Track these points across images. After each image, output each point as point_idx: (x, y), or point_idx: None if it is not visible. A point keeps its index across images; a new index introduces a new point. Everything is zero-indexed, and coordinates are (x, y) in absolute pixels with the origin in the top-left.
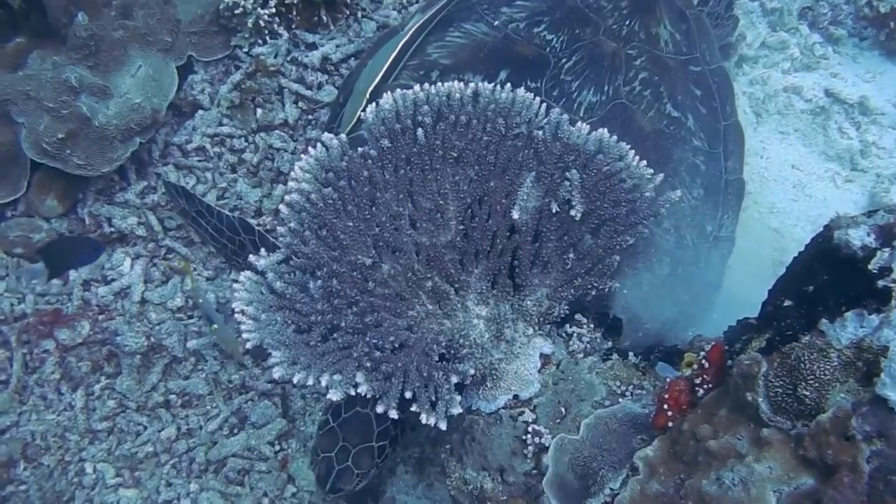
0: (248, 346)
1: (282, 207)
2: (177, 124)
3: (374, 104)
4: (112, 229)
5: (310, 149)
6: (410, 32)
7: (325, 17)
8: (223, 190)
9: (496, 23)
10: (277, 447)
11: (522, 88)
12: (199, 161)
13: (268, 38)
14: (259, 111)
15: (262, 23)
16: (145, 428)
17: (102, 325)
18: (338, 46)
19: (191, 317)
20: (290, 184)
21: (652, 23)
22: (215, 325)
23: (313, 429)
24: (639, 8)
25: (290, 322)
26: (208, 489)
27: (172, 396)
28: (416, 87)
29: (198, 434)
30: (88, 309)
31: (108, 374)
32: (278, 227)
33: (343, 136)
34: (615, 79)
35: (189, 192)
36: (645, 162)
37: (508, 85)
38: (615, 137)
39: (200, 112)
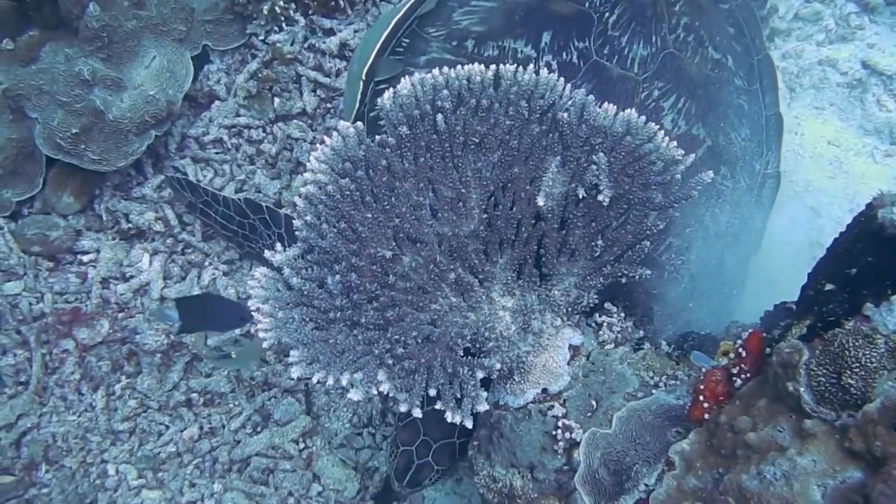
0: (266, 345)
1: (298, 200)
2: (193, 116)
3: (390, 90)
4: (130, 225)
5: (326, 138)
6: (405, 8)
7: (342, 2)
8: (241, 182)
9: None
10: (302, 445)
11: (573, 51)
12: (217, 153)
13: (284, 24)
14: (277, 100)
15: (277, 9)
16: (167, 428)
17: (122, 323)
18: (356, 32)
19: None
20: (307, 175)
21: None
22: (233, 354)
23: (338, 425)
24: None
25: (308, 319)
26: (232, 489)
27: (194, 395)
28: (435, 71)
29: (221, 433)
30: (108, 307)
31: (128, 373)
32: (295, 221)
33: (360, 124)
34: (661, 28)
35: (192, 183)
36: (675, 143)
37: (531, 66)
38: (644, 118)
39: (217, 103)
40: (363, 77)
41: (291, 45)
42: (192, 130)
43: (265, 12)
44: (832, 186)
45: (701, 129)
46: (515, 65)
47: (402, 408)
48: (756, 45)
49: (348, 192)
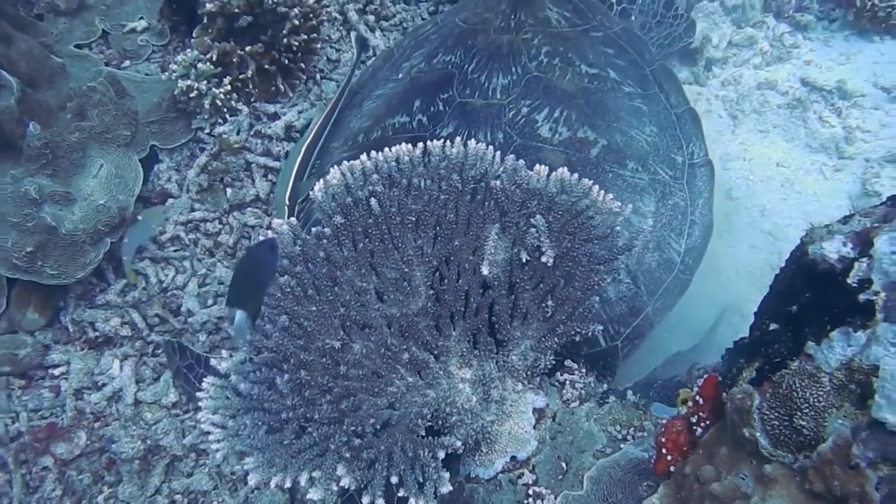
0: (218, 456)
1: None
2: None
3: (320, 181)
4: (97, 333)
5: (259, 236)
6: (312, 133)
7: (282, 86)
8: (203, 276)
9: (399, 76)
10: None
11: (440, 103)
12: (176, 251)
13: (228, 115)
14: (229, 190)
15: (219, 102)
16: None
17: (99, 432)
18: (300, 112)
19: (186, 411)
20: None
21: (537, 10)
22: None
23: None
24: (518, 2)
25: (260, 423)
26: None
27: (178, 496)
28: (364, 157)
29: None
30: (83, 418)
31: (109, 482)
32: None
33: (293, 220)
34: (519, 59)
35: (183, 346)
36: (612, 196)
37: (458, 139)
38: (576, 175)
39: (170, 200)
40: (287, 202)
41: (237, 134)
42: None
43: (207, 106)
44: (787, 208)
45: (589, 132)
46: (442, 140)
47: (365, 500)
48: (645, 58)
49: (289, 289)
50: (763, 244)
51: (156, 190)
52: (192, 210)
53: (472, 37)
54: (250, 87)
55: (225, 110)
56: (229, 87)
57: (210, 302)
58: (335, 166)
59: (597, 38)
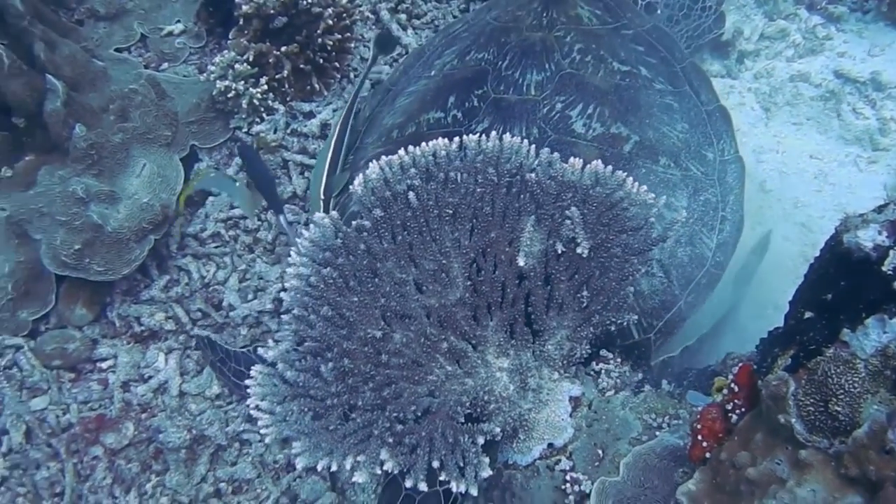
0: (268, 440)
1: (283, 295)
2: (190, 214)
3: (360, 175)
4: (142, 327)
5: (303, 231)
6: (337, 129)
7: (317, 85)
8: (243, 272)
9: (432, 73)
10: None
11: (474, 98)
12: (216, 247)
13: (265, 115)
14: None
15: (256, 101)
16: None
17: (146, 423)
18: (335, 111)
19: (229, 403)
20: (289, 270)
21: (568, 7)
22: (237, 184)
23: (364, 497)
24: (550, 0)
25: (306, 409)
26: None
27: (222, 485)
28: (401, 152)
29: None
30: (130, 409)
31: (157, 471)
32: (282, 315)
33: (335, 213)
34: (552, 56)
35: (212, 341)
36: (645, 187)
37: (493, 133)
38: (610, 168)
39: (211, 198)
40: (321, 196)
41: (274, 132)
42: (189, 228)
43: (245, 106)
44: (820, 200)
45: (622, 128)
46: (478, 134)
47: (408, 483)
48: (676, 56)
49: (331, 280)
50: (796, 236)
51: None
52: (232, 207)
53: (504, 34)
54: (286, 86)
55: (262, 109)
56: (266, 87)
57: (250, 297)
58: (373, 161)
59: (627, 36)
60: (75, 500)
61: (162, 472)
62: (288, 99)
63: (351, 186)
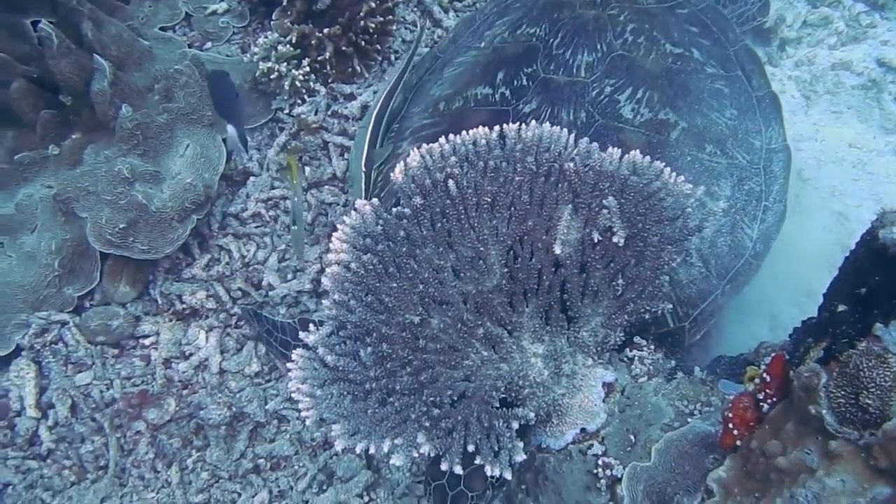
0: (308, 423)
1: (324, 280)
2: (231, 194)
3: (401, 163)
4: (184, 305)
5: (344, 217)
6: (380, 102)
7: (358, 67)
8: (283, 252)
9: (482, 44)
10: (367, 498)
11: (523, 77)
12: (257, 227)
13: (306, 96)
14: (307, 169)
15: (297, 83)
16: (239, 495)
17: (187, 399)
18: (375, 93)
19: (268, 380)
20: (330, 255)
21: None
22: (295, 227)
23: (399, 475)
24: None
25: (345, 393)
26: None
27: (261, 461)
28: (442, 140)
29: (289, 495)
30: (172, 386)
31: (197, 447)
32: (323, 301)
33: (375, 200)
34: (605, 37)
35: (258, 314)
36: (682, 178)
37: (533, 122)
38: (648, 158)
39: (252, 179)
40: (363, 169)
41: (315, 114)
42: (231, 208)
43: (287, 87)
44: (858, 189)
45: (670, 114)
46: (518, 123)
47: (443, 466)
48: (729, 38)
49: (371, 267)
50: (833, 225)
51: (238, 168)
52: (272, 188)
53: (557, 9)
54: (328, 68)
55: (303, 91)
56: (308, 69)
57: (290, 276)
58: (414, 148)
59: (682, 16)
60: (118, 473)
61: (202, 448)
62: (329, 81)
63: (391, 175)
